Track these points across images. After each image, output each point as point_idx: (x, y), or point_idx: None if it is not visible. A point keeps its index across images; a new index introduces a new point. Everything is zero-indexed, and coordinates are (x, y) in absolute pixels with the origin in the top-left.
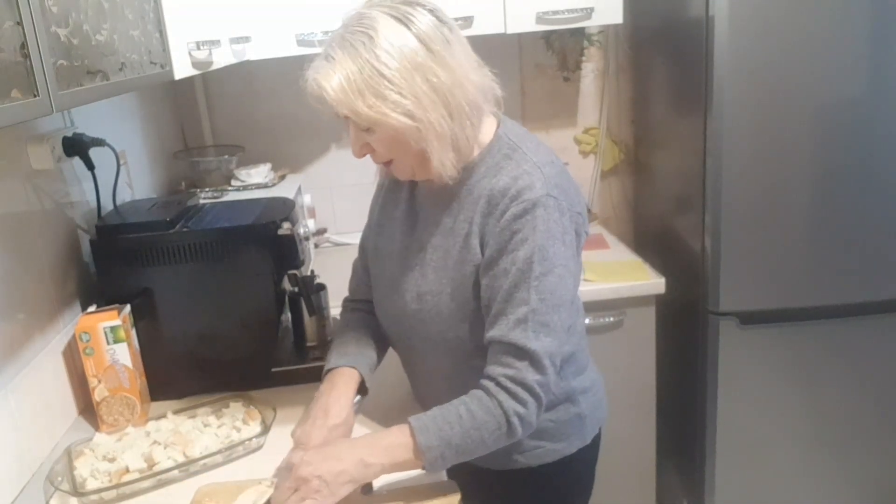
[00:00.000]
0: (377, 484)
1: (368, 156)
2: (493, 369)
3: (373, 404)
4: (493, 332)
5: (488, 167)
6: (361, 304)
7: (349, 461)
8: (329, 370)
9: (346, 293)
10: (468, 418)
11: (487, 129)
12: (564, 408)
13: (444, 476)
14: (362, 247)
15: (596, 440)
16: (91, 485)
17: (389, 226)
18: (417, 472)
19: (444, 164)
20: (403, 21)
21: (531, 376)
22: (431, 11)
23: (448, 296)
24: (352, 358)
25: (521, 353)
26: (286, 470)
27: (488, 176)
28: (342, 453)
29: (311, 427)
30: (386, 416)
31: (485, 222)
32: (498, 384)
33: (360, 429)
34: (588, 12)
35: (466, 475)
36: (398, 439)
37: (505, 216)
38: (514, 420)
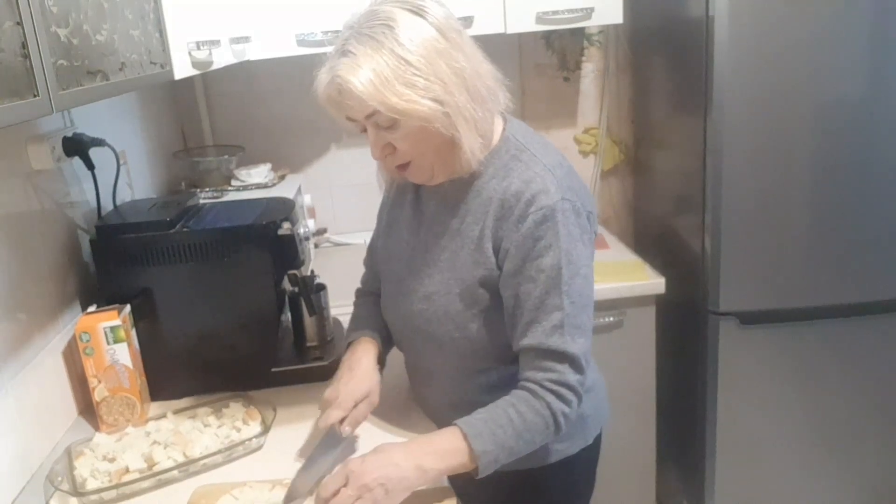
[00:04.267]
0: None
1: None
2: (534, 374)
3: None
4: (527, 340)
5: (496, 169)
6: (372, 293)
7: (408, 468)
8: (350, 343)
9: (346, 293)
10: (519, 421)
11: (495, 130)
12: None
13: (444, 481)
14: (371, 247)
15: (597, 440)
16: (91, 485)
17: (397, 227)
18: None
19: (472, 151)
20: (418, 12)
21: (573, 377)
22: (441, 4)
23: (456, 297)
24: (368, 331)
25: (562, 357)
26: (332, 463)
27: (497, 178)
28: (400, 460)
29: (339, 384)
30: (387, 417)
31: (498, 226)
32: (542, 387)
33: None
34: (588, 12)
35: (468, 477)
36: (452, 444)
37: (525, 224)
38: (561, 419)
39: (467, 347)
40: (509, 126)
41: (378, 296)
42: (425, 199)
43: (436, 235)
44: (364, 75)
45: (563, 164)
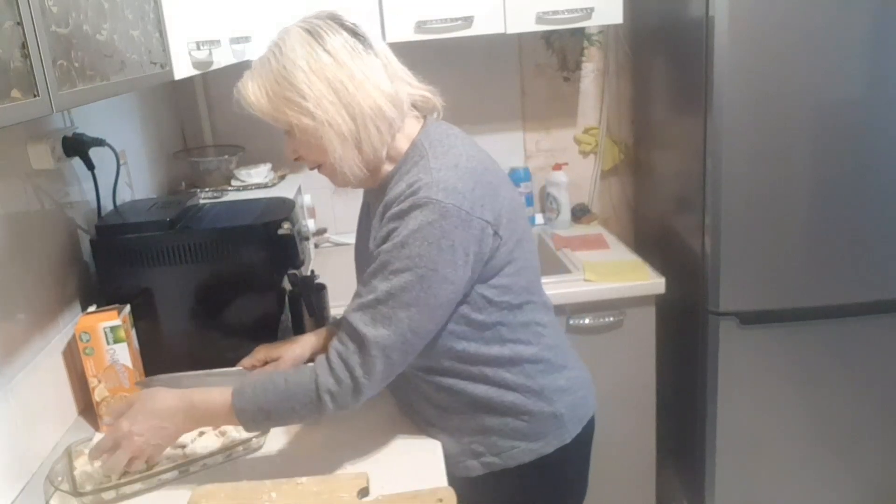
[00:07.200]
0: (374, 491)
1: None
2: (332, 342)
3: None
4: (346, 309)
5: (401, 174)
6: None
7: (173, 428)
8: None
9: (346, 293)
10: (283, 388)
11: (407, 137)
12: (537, 406)
13: (444, 482)
14: None
15: (579, 440)
16: (91, 485)
17: (359, 238)
18: (415, 478)
19: (344, 162)
20: (312, 32)
21: (355, 359)
22: (346, 27)
23: None
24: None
25: (353, 333)
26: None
27: (400, 183)
28: (168, 423)
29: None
30: (383, 414)
31: (379, 226)
32: (327, 358)
33: (350, 433)
34: (588, 12)
35: (451, 485)
36: (224, 399)
37: (386, 216)
38: (325, 397)
39: None
40: (424, 132)
41: None
42: (371, 209)
43: (361, 240)
44: (251, 87)
45: (463, 166)
